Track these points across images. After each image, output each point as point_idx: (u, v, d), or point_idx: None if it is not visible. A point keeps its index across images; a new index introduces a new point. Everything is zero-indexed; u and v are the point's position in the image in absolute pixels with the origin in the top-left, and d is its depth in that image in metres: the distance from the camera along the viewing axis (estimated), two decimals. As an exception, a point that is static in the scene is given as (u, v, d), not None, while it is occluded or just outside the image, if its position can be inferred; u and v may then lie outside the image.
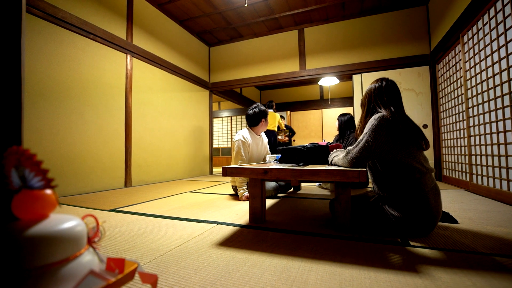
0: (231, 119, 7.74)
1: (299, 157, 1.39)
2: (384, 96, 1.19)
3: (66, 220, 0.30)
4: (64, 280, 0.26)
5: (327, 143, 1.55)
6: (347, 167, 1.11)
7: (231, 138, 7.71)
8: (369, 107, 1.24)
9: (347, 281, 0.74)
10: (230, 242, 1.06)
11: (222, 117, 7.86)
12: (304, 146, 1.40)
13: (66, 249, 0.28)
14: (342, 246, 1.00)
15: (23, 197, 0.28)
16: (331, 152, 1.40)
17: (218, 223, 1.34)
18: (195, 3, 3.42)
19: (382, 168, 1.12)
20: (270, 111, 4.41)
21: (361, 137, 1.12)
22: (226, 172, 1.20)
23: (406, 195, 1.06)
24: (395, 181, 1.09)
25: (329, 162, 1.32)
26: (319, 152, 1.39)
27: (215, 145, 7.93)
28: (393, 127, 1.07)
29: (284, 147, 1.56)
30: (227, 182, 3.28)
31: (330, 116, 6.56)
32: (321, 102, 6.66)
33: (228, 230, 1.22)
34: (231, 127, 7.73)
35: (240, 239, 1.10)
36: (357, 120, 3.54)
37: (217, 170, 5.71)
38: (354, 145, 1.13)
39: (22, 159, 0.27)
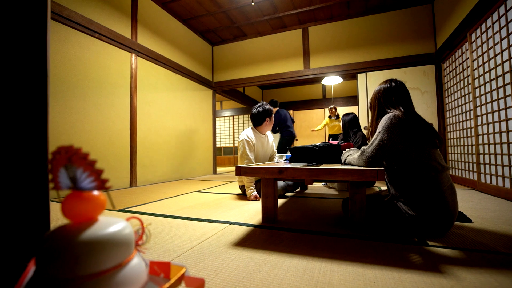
0: (233, 119, 7.72)
1: (311, 156, 1.37)
2: (393, 97, 1.19)
3: (116, 223, 0.28)
4: (120, 286, 0.24)
5: (338, 142, 1.54)
6: (362, 166, 1.10)
7: (233, 137, 7.69)
8: (379, 108, 1.23)
9: (371, 282, 0.73)
10: (246, 242, 1.05)
11: (224, 116, 7.84)
12: (316, 145, 1.39)
13: (120, 253, 0.26)
14: (360, 246, 0.99)
15: (75, 199, 0.26)
16: (344, 151, 1.39)
17: (230, 223, 1.33)
18: (199, 1, 3.40)
19: (398, 167, 1.11)
20: (333, 119, 4.64)
21: (374, 136, 1.11)
22: (240, 171, 1.19)
23: (423, 194, 1.05)
24: (411, 180, 1.07)
25: (342, 161, 1.31)
26: (331, 151, 1.38)
27: (217, 145, 7.91)
28: (406, 126, 1.06)
29: (295, 146, 1.54)
30: (232, 181, 3.27)
31: (333, 115, 6.53)
32: (323, 101, 6.65)
33: (241, 230, 1.21)
34: (233, 127, 7.71)
35: (256, 239, 1.09)
36: (361, 119, 3.53)
37: (220, 169, 5.70)
38: (368, 144, 1.12)
39: (75, 158, 0.25)
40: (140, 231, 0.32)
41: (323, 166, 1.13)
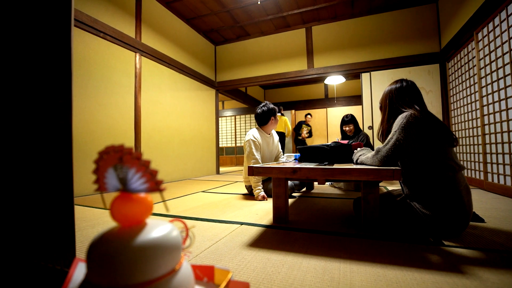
0: (235, 119, 7.72)
1: (322, 156, 1.36)
2: (406, 97, 1.18)
3: (164, 226, 0.27)
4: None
5: (348, 142, 1.53)
6: (376, 166, 1.09)
7: (235, 137, 7.68)
8: (391, 108, 1.22)
9: (393, 283, 0.72)
10: (260, 243, 1.04)
11: (225, 116, 7.83)
12: (327, 145, 1.38)
13: (174, 258, 0.25)
14: (376, 246, 0.98)
15: (125, 201, 0.25)
16: (355, 151, 1.38)
17: (241, 223, 1.32)
18: (203, 1, 3.39)
19: (413, 166, 1.10)
20: (278, 114, 4.55)
21: (390, 136, 1.10)
22: (253, 171, 1.18)
23: (440, 194, 1.04)
24: (428, 179, 1.06)
25: (354, 161, 1.30)
26: (342, 151, 1.37)
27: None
28: (423, 125, 1.05)
29: (305, 146, 1.53)
30: (237, 181, 3.26)
31: (335, 115, 6.53)
32: (325, 101, 6.64)
33: (254, 231, 1.20)
34: (235, 127, 7.70)
35: (270, 239, 1.08)
36: (365, 118, 3.52)
37: (223, 169, 5.69)
38: (384, 144, 1.11)
39: (126, 158, 0.24)
40: (184, 233, 0.31)
41: (339, 166, 1.12)
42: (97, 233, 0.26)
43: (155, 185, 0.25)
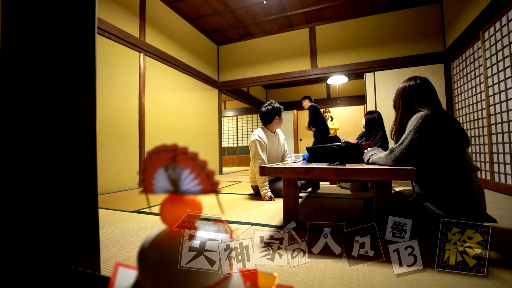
0: (237, 119, 7.71)
1: (333, 156, 1.36)
2: (420, 95, 1.17)
3: (215, 229, 0.26)
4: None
5: (358, 142, 1.52)
6: (390, 166, 1.08)
7: (237, 137, 7.67)
8: (405, 107, 1.20)
9: (414, 284, 0.71)
10: (273, 243, 1.03)
11: (227, 116, 7.82)
12: (338, 145, 1.37)
13: (229, 262, 0.24)
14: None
15: (177, 203, 0.25)
16: (365, 151, 1.37)
17: (252, 224, 1.31)
18: (207, 1, 3.38)
19: (427, 167, 1.09)
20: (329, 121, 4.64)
21: (404, 136, 1.09)
22: (265, 172, 1.17)
23: (454, 194, 1.03)
24: (442, 180, 1.06)
25: (365, 161, 1.29)
26: (353, 151, 1.37)
27: (220, 145, 7.88)
28: (438, 125, 1.04)
29: (314, 146, 1.53)
30: (242, 181, 3.26)
31: (337, 115, 6.51)
32: (328, 100, 6.63)
33: (265, 231, 1.19)
34: (237, 127, 7.69)
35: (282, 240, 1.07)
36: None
37: (226, 169, 5.68)
38: (398, 144, 1.10)
39: (181, 159, 0.23)
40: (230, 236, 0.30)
41: (353, 166, 1.11)
42: (146, 237, 0.25)
43: (211, 187, 0.24)
